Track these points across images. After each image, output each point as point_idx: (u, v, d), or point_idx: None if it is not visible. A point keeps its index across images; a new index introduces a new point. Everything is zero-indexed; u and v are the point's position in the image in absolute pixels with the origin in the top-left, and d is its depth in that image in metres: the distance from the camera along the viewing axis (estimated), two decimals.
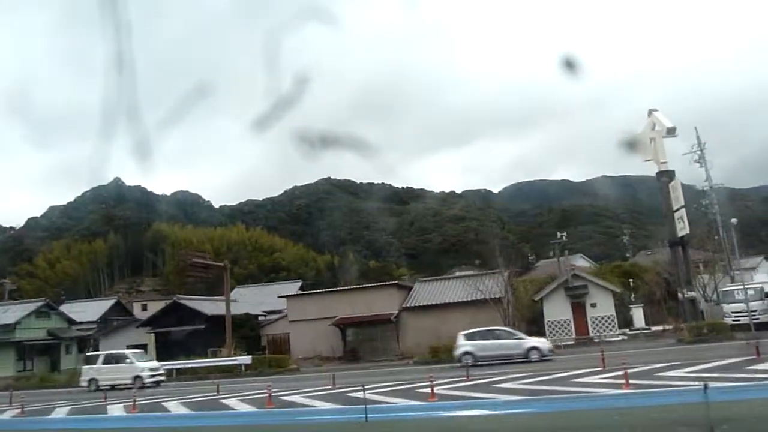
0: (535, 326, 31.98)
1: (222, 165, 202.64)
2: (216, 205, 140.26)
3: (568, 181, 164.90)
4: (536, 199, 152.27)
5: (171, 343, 33.69)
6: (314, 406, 13.69)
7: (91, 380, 26.29)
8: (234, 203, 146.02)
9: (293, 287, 52.33)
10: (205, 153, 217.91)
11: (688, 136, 35.22)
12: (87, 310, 56.40)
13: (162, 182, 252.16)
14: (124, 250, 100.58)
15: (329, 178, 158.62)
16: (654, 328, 31.01)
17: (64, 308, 52.99)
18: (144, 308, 70.79)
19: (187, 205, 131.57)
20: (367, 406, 8.87)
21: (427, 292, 34.58)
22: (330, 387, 17.66)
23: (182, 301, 40.52)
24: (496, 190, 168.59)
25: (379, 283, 36.13)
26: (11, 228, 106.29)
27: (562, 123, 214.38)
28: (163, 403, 17.28)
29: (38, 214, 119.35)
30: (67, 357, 44.35)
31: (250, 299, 51.02)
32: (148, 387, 24.53)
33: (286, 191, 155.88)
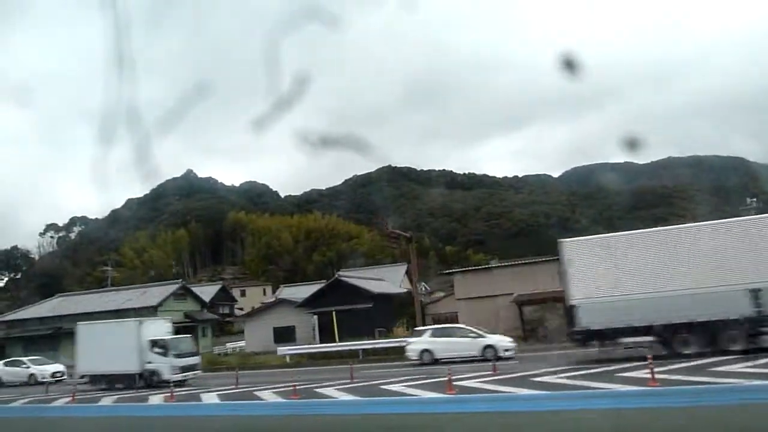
0: None
1: (283, 156, 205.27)
2: (282, 195, 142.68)
3: (632, 163, 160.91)
4: (599, 183, 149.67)
5: (332, 323, 32.86)
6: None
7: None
8: (298, 193, 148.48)
9: (399, 270, 53.14)
10: (268, 144, 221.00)
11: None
12: None
13: (230, 173, 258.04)
14: (204, 239, 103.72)
15: (389, 165, 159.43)
16: None
17: None
18: (243, 294, 73.30)
19: (255, 195, 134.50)
20: None
21: None
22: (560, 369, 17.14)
23: (345, 279, 39.78)
24: (555, 174, 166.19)
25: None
26: (96, 219, 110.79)
27: (621, 103, 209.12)
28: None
29: (118, 206, 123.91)
30: (203, 340, 44.95)
31: (356, 281, 51.98)
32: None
33: (346, 180, 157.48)
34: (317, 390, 17.05)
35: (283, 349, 28.90)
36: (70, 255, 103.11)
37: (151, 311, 40.47)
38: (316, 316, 32.10)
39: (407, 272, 54.48)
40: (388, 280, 49.96)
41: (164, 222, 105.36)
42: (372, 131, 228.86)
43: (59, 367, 33.35)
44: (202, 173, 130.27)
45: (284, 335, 35.11)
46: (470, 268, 37.74)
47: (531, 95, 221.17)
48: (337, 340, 30.66)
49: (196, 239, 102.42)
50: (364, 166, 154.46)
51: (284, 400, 15.28)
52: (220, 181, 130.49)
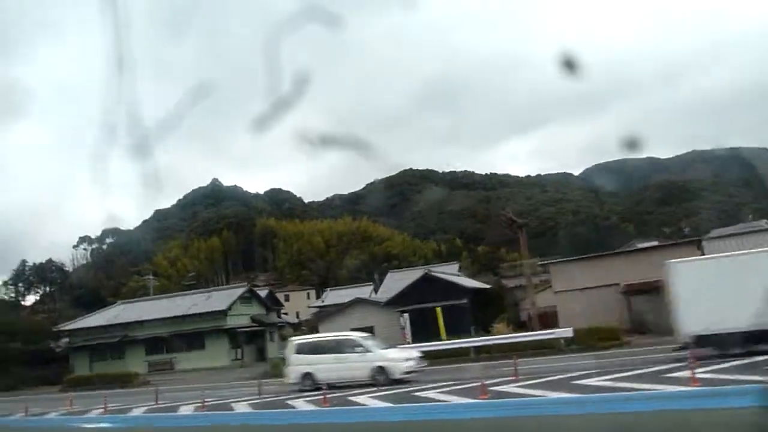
0: None
1: (304, 162, 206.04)
2: (305, 201, 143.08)
3: (655, 158, 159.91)
4: (622, 179, 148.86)
5: (434, 320, 31.02)
6: None
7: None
8: (320, 199, 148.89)
9: (452, 269, 52.99)
10: (288, 151, 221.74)
11: None
12: None
13: (255, 181, 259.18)
14: (236, 246, 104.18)
15: (410, 169, 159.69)
16: None
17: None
18: (287, 299, 73.47)
19: (280, 202, 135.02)
20: None
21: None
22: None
23: (437, 274, 38.40)
24: (575, 172, 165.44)
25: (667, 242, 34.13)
26: (128, 231, 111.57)
27: (639, 99, 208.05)
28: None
29: (146, 218, 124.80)
30: (271, 345, 44.20)
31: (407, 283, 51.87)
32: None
33: (367, 185, 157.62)
34: (507, 390, 14.80)
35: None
36: (104, 266, 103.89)
37: (220, 315, 40.78)
38: (406, 315, 29.70)
39: (460, 269, 54.58)
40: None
41: (196, 231, 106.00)
42: (390, 135, 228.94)
43: None
44: (227, 182, 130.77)
45: None
46: (570, 258, 35.78)
47: (547, 94, 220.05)
48: (444, 337, 29.15)
49: (228, 247, 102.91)
50: (384, 170, 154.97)
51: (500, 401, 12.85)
52: (245, 189, 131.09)
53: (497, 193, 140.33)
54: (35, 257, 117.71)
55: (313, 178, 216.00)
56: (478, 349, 26.26)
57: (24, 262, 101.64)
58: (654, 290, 25.30)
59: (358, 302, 36.52)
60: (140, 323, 42.38)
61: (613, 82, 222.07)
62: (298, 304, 69.82)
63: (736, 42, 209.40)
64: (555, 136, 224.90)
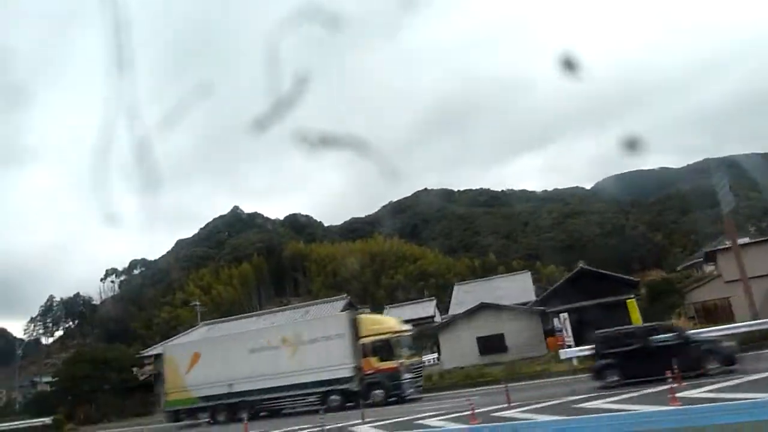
0: None
1: (320, 187, 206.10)
2: (325, 225, 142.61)
3: (668, 168, 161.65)
4: (636, 191, 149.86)
5: (580, 321, 26.83)
6: None
7: None
8: (339, 222, 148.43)
9: (524, 278, 52.50)
10: (306, 176, 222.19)
11: None
12: None
13: (273, 207, 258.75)
14: (267, 271, 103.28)
15: (425, 189, 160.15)
16: None
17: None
18: None
19: (301, 227, 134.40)
20: None
21: None
22: None
23: (593, 269, 34.35)
24: (587, 186, 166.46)
25: None
26: (155, 261, 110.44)
27: (648, 110, 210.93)
28: None
29: (168, 248, 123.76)
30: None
31: (482, 294, 51.30)
32: None
33: (383, 206, 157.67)
34: None
35: (572, 351, 23.56)
36: (133, 298, 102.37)
37: None
38: (564, 315, 24.90)
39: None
40: (517, 289, 49.25)
41: (225, 258, 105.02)
42: (403, 157, 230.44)
43: None
44: (247, 209, 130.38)
45: (492, 344, 31.46)
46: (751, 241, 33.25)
47: (556, 110, 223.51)
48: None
49: (259, 272, 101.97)
50: (399, 192, 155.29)
51: None
52: (265, 215, 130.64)
53: (515, 209, 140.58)
54: (62, 293, 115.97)
55: (329, 203, 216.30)
56: None
57: (51, 297, 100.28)
58: None
59: (482, 308, 33.64)
60: None
61: (621, 94, 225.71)
62: None
63: (743, 51, 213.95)
64: (565, 150, 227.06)
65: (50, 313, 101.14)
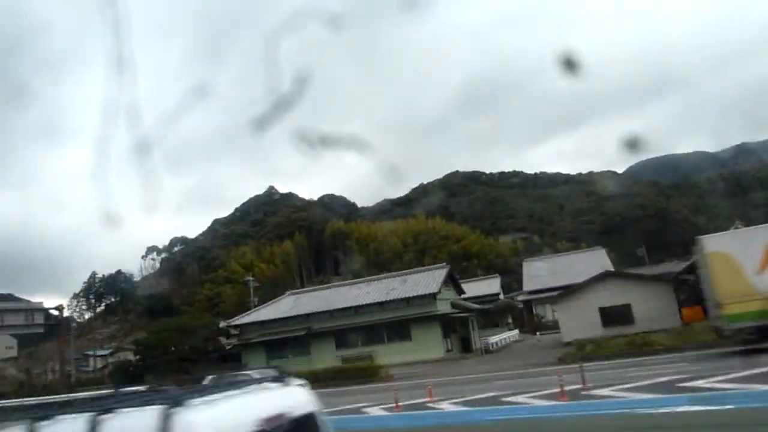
0: None
1: (351, 168, 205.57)
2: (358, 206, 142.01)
3: (703, 152, 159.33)
4: (670, 174, 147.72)
5: None
6: None
7: None
8: (370, 204, 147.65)
9: (599, 255, 51.58)
10: (335, 157, 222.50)
11: None
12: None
13: (307, 188, 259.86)
14: (308, 250, 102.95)
15: (457, 171, 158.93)
16: None
17: None
18: None
19: (335, 207, 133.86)
20: None
21: None
22: None
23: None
24: (619, 170, 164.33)
25: None
26: (195, 239, 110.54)
27: (680, 93, 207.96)
28: None
29: (203, 228, 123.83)
30: (473, 333, 40.34)
31: (558, 270, 50.50)
32: None
33: (414, 189, 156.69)
34: None
35: None
36: (174, 275, 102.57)
37: (429, 300, 36.02)
38: None
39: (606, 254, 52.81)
40: (595, 265, 48.31)
41: (266, 236, 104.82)
42: (434, 139, 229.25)
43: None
44: (282, 189, 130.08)
45: (617, 315, 29.28)
46: None
47: (586, 92, 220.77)
48: None
49: (300, 250, 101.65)
50: (430, 173, 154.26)
51: None
52: (299, 195, 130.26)
53: (549, 191, 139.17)
54: (103, 270, 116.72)
55: (360, 183, 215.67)
56: None
57: (94, 274, 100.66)
58: None
59: (607, 276, 31.62)
60: (327, 313, 38.96)
61: (655, 75, 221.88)
62: None
63: None
64: (596, 134, 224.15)
65: (92, 289, 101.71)
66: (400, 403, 15.42)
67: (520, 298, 50.41)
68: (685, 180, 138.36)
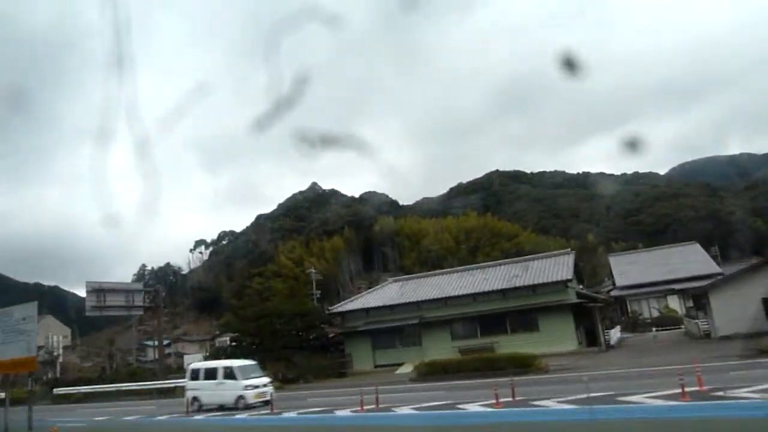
0: None
1: (390, 167, 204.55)
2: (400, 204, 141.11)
3: (750, 153, 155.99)
4: (716, 176, 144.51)
5: None
6: None
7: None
8: (410, 202, 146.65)
9: (692, 249, 50.04)
10: (373, 156, 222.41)
11: None
12: None
13: (348, 185, 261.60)
14: (357, 245, 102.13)
15: (497, 170, 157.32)
16: None
17: None
18: None
19: (377, 204, 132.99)
20: None
21: None
22: None
23: None
24: (661, 172, 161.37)
25: None
26: (243, 233, 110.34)
27: (724, 95, 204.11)
28: None
29: (248, 223, 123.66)
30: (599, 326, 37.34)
31: (650, 265, 49.13)
32: None
33: (452, 188, 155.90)
34: None
35: None
36: (223, 269, 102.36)
37: (560, 287, 34.03)
38: None
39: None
40: (695, 261, 46.84)
41: (315, 231, 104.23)
42: (473, 139, 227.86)
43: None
44: (325, 185, 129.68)
45: None
46: None
47: (628, 92, 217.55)
48: None
49: (349, 246, 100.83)
50: (470, 172, 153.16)
51: None
52: (342, 192, 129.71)
53: (593, 191, 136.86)
54: (153, 263, 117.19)
55: (399, 182, 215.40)
56: None
57: (143, 266, 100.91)
58: None
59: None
60: (440, 301, 37.05)
61: (702, 74, 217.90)
62: None
63: None
64: (638, 135, 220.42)
65: (142, 281, 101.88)
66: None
67: (614, 293, 48.88)
68: (733, 181, 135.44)
